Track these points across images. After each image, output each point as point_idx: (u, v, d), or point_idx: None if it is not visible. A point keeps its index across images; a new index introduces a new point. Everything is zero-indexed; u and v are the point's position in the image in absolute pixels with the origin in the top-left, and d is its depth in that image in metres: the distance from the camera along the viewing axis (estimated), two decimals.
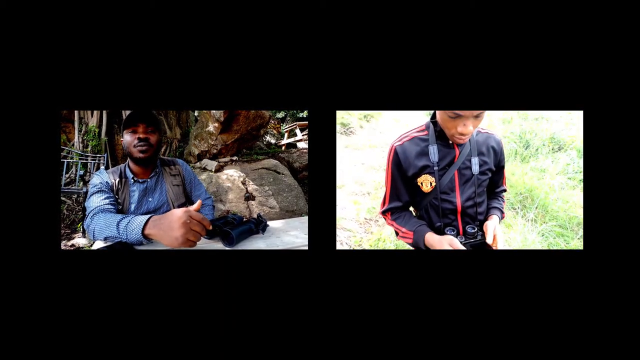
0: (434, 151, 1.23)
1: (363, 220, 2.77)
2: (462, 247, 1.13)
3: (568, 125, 3.51)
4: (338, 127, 4.24)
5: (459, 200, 1.27)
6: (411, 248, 1.42)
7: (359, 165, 3.52)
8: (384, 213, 1.37)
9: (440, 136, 1.25)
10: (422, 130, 1.28)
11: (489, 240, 1.21)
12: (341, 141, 4.03)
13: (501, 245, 1.19)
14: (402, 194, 1.29)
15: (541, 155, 3.33)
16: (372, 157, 3.66)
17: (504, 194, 1.48)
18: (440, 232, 1.30)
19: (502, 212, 1.40)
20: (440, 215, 1.28)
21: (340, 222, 2.72)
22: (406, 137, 1.29)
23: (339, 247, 2.51)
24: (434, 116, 1.27)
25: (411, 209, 1.42)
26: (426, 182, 1.24)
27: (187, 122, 6.30)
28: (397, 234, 1.34)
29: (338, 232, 2.62)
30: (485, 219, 1.33)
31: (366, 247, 2.52)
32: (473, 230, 1.24)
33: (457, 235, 1.27)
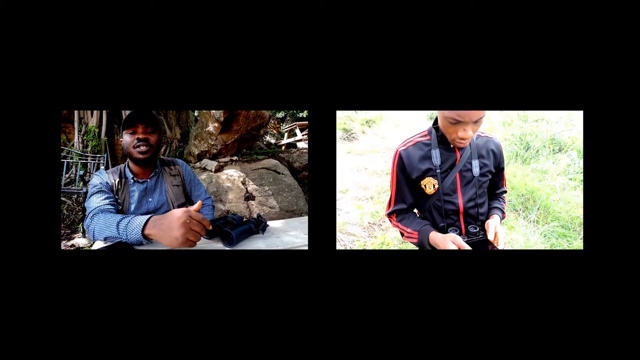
0: (436, 155, 1.29)
1: (367, 225, 2.78)
2: (465, 244, 1.18)
3: (568, 126, 3.53)
4: (340, 133, 4.31)
5: (460, 201, 1.31)
6: (414, 248, 1.43)
7: (362, 170, 3.56)
8: (389, 215, 1.42)
9: (442, 141, 1.31)
10: (425, 136, 1.34)
11: (490, 237, 1.25)
12: (344, 147, 4.09)
13: (502, 242, 1.23)
14: (407, 196, 1.35)
15: (542, 157, 3.34)
16: (374, 162, 3.70)
17: (504, 195, 1.52)
18: (443, 232, 1.34)
19: (503, 212, 1.45)
20: (443, 216, 1.32)
21: (344, 226, 2.74)
22: (410, 142, 1.34)
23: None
24: (435, 122, 1.33)
25: (415, 210, 1.45)
26: (429, 185, 1.29)
27: (187, 122, 6.31)
28: (402, 235, 1.39)
29: (342, 236, 2.64)
30: (487, 219, 1.38)
31: None
32: (475, 230, 1.29)
33: (459, 235, 1.31)
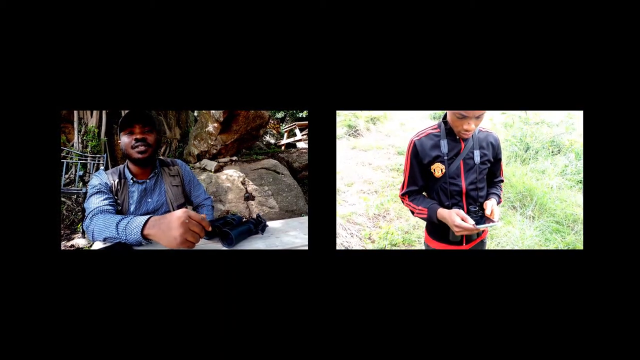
0: (444, 144, 1.50)
1: (372, 215, 2.94)
2: (468, 217, 1.38)
3: (569, 129, 3.65)
4: (345, 130, 4.44)
5: (463, 184, 1.52)
6: (414, 248, 1.44)
7: (366, 165, 3.72)
8: (402, 196, 1.62)
9: (450, 133, 1.51)
10: (435, 128, 1.54)
11: (487, 212, 1.46)
12: (349, 143, 4.26)
13: (497, 216, 1.44)
14: (418, 179, 1.56)
15: (541, 158, 3.49)
16: (378, 157, 3.86)
17: (501, 183, 1.70)
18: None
19: (500, 197, 1.63)
20: (449, 197, 1.53)
21: (351, 216, 2.89)
22: (423, 134, 1.55)
23: (349, 239, 2.65)
24: (445, 117, 1.51)
25: (424, 193, 1.64)
26: (438, 169, 1.51)
27: (186, 122, 6.31)
28: (413, 213, 1.58)
29: (349, 225, 2.80)
30: (485, 201, 1.57)
31: (375, 238, 2.69)
32: (475, 209, 1.48)
33: None
